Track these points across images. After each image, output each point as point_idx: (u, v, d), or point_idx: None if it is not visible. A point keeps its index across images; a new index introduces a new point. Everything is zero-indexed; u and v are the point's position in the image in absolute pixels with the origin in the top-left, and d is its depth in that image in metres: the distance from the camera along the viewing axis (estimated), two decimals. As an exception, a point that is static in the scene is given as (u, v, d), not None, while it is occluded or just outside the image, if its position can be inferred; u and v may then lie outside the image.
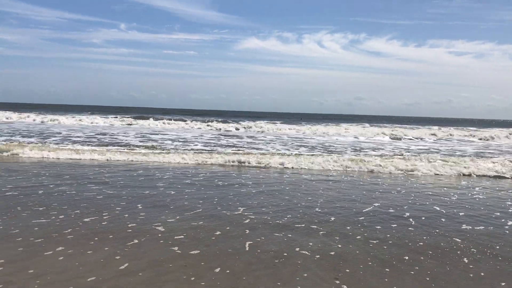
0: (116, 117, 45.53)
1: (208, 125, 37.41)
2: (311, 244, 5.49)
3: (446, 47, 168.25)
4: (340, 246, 5.46)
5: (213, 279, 4.26)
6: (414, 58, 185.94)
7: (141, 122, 40.33)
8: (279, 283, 4.19)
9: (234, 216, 6.80)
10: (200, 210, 7.17)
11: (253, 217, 6.79)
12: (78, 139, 20.90)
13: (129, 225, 6.09)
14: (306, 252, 5.16)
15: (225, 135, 27.83)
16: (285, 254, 5.09)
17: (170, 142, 21.17)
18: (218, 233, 5.87)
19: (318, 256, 5.02)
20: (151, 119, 42.44)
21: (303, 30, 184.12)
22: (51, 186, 8.82)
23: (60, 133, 24.78)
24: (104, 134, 25.45)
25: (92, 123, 38.07)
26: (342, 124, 49.04)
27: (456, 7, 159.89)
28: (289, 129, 36.28)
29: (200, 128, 35.63)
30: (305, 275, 4.42)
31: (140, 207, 7.23)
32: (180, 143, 20.63)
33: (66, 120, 38.77)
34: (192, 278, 4.25)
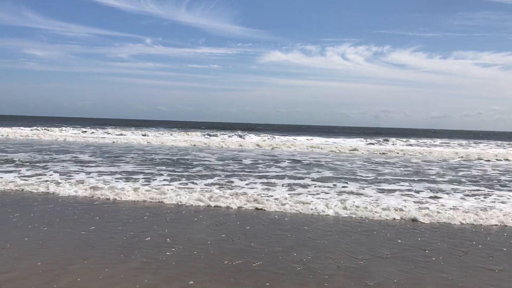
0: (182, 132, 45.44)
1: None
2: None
3: (472, 58, 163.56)
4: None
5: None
6: (439, 70, 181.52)
7: (213, 138, 37.19)
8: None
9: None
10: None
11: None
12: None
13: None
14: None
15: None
16: None
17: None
18: None
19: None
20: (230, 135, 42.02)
21: (326, 43, 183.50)
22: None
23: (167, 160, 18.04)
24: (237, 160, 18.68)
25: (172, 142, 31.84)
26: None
27: (481, 19, 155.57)
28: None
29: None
30: None
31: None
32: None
33: (136, 137, 35.28)
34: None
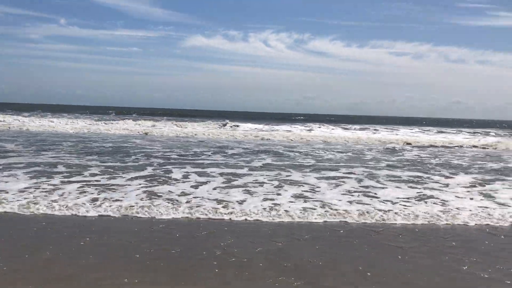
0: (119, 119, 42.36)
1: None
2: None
3: (387, 47, 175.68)
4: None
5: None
6: (357, 58, 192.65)
7: (158, 126, 34.57)
8: None
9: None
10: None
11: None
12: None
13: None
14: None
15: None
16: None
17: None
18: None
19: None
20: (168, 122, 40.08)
21: (249, 29, 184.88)
22: None
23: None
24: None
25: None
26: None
27: (396, 9, 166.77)
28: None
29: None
30: None
31: None
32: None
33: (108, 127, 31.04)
34: None
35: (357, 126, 45.91)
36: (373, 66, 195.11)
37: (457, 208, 8.32)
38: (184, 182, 10.15)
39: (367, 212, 7.76)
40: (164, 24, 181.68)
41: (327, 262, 5.28)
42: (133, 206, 7.62)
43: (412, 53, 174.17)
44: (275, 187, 9.96)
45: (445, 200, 9.02)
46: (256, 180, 10.75)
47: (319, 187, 10.12)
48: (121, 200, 8.03)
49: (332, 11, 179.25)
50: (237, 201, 8.32)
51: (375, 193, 9.55)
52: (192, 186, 9.63)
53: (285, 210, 7.74)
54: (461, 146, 25.12)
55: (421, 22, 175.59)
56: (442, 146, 25.24)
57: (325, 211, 7.77)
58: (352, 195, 9.24)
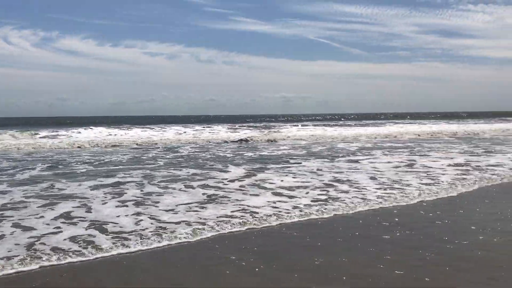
0: None
1: None
2: None
3: (140, 47, 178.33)
4: None
5: None
6: (111, 58, 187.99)
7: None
8: None
9: None
10: None
11: None
12: None
13: None
14: None
15: None
16: None
17: None
18: None
19: None
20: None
21: None
22: None
23: None
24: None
25: None
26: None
27: (147, 10, 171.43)
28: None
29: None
30: None
31: None
32: None
33: None
34: None
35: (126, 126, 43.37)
36: (129, 65, 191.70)
37: (255, 207, 7.59)
38: None
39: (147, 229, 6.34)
40: None
41: None
42: None
43: (165, 54, 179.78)
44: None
45: (237, 200, 8.35)
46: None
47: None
48: None
49: (82, 8, 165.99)
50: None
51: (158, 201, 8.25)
52: None
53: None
54: (226, 141, 26.30)
55: (172, 23, 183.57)
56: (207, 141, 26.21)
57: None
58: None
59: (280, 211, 7.31)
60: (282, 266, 4.80)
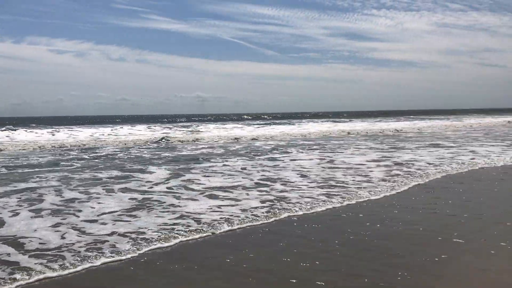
0: None
1: None
2: None
3: (46, 45, 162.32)
4: None
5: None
6: (13, 55, 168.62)
7: None
8: None
9: None
10: None
11: None
12: None
13: None
14: None
15: None
16: None
17: None
18: None
19: None
20: None
21: None
22: None
23: None
24: None
25: None
26: None
27: (51, 5, 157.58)
28: None
29: None
30: None
31: None
32: None
33: None
34: None
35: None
36: (33, 64, 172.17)
37: (197, 213, 6.94)
38: None
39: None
40: None
41: None
42: None
43: (73, 51, 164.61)
44: None
45: (172, 205, 7.60)
46: None
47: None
48: None
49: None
50: None
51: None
52: None
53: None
54: (147, 142, 24.78)
55: (80, 20, 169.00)
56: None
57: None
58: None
59: (230, 216, 6.68)
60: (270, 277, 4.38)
